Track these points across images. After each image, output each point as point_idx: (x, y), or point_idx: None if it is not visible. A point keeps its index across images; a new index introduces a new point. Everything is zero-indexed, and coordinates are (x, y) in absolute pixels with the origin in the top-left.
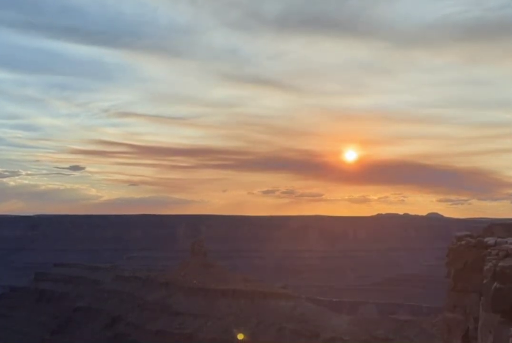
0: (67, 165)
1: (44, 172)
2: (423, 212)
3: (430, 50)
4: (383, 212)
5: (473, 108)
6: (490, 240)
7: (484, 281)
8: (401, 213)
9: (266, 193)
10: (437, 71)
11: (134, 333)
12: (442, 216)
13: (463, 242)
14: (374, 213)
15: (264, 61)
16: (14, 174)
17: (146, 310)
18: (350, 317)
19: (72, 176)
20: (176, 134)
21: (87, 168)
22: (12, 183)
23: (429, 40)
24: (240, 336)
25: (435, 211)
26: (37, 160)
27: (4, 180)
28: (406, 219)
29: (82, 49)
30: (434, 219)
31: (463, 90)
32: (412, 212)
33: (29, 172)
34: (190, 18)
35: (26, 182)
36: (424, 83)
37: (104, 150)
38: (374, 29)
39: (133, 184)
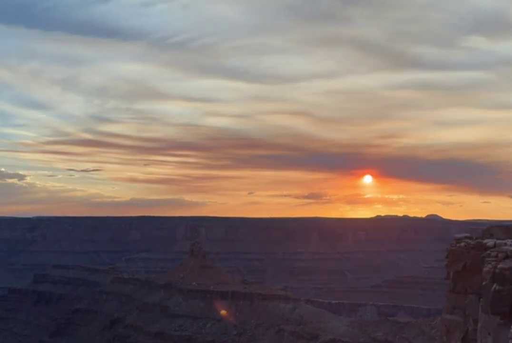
0: (65, 166)
1: (43, 172)
2: (422, 214)
3: None
4: (382, 214)
5: None
6: (490, 242)
7: (484, 283)
8: (400, 214)
9: (266, 194)
10: None
11: (133, 335)
12: (441, 218)
13: (462, 244)
14: (373, 215)
15: None
16: (13, 175)
17: (145, 312)
18: (349, 319)
19: (70, 176)
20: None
21: (86, 169)
22: (11, 184)
23: None
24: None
25: (434, 212)
26: (36, 160)
27: (3, 181)
28: (405, 220)
29: None
30: (433, 220)
31: None
32: (411, 213)
33: (28, 173)
34: None
35: (25, 183)
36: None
37: (102, 150)
38: None
39: (131, 184)
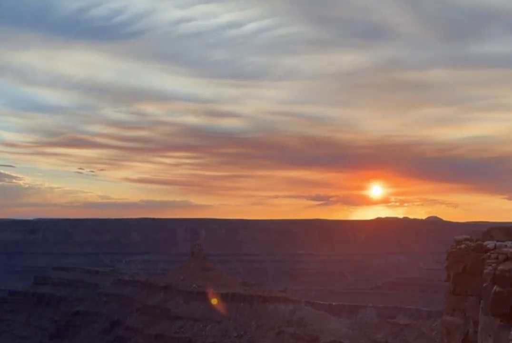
0: (65, 168)
1: (43, 174)
2: (422, 216)
3: None
4: (383, 216)
5: None
6: (490, 244)
7: (484, 285)
8: (400, 216)
9: (266, 196)
10: None
11: (133, 337)
12: (441, 220)
13: (462, 246)
14: (374, 217)
15: None
16: (13, 177)
17: (145, 314)
18: (349, 321)
19: (71, 177)
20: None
21: (87, 171)
22: (11, 186)
23: None
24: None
25: (439, 213)
26: (36, 161)
27: (4, 182)
28: (406, 222)
29: None
30: (433, 222)
31: None
32: (414, 215)
33: (28, 175)
34: None
35: (25, 184)
36: None
37: (102, 151)
38: None
39: (131, 184)
